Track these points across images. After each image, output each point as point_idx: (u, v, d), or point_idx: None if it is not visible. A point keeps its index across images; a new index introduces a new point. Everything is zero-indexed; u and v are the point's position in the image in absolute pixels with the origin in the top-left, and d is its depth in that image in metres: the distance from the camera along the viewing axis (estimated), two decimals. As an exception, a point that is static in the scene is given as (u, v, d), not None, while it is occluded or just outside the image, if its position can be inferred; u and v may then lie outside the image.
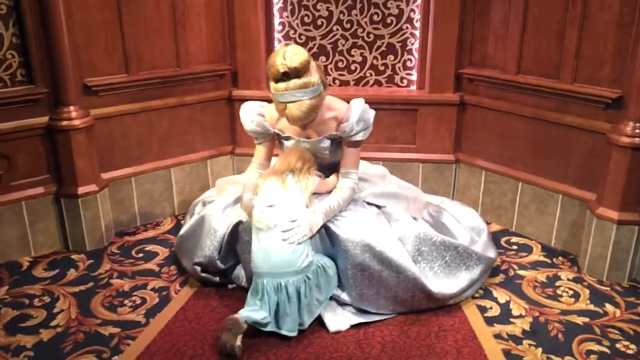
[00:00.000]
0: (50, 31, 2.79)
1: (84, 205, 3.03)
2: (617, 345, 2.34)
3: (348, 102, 2.65)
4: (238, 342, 2.22)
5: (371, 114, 2.65)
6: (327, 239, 2.50)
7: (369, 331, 2.42)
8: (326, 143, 2.64)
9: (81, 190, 3.01)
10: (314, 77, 2.37)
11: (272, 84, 2.38)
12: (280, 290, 2.30)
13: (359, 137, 2.62)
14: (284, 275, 2.30)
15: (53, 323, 2.48)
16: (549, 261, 3.02)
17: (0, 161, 2.86)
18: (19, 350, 2.31)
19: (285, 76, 2.33)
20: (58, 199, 3.03)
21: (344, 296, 2.52)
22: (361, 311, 2.51)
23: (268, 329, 2.32)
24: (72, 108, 2.92)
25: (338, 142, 2.68)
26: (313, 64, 2.43)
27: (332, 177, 2.67)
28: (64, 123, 2.90)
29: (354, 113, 2.58)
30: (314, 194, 2.55)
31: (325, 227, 2.49)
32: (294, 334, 2.33)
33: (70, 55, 2.86)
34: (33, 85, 2.88)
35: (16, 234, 2.97)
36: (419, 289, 2.48)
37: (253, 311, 2.30)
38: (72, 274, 2.88)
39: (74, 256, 3.05)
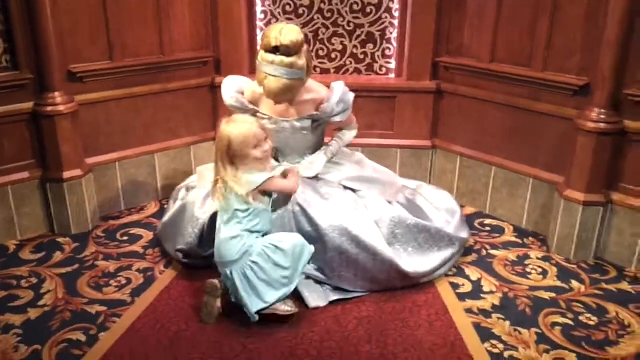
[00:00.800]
0: (35, 17, 2.83)
1: (69, 189, 3.09)
2: (580, 318, 2.48)
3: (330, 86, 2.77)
4: (218, 303, 2.41)
5: (351, 96, 2.78)
6: (304, 222, 2.58)
7: (346, 307, 2.53)
8: (306, 123, 2.74)
9: (66, 174, 3.07)
10: (301, 60, 2.52)
11: (261, 52, 2.54)
12: (228, 278, 2.40)
13: (338, 118, 2.75)
14: (228, 265, 2.39)
15: (40, 303, 2.56)
16: (519, 241, 3.15)
17: (-15, 146, 2.92)
18: (8, 328, 2.38)
19: (276, 50, 2.48)
20: (43, 183, 3.09)
21: (323, 278, 2.61)
22: (339, 288, 2.62)
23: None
24: (57, 94, 2.97)
25: (318, 124, 2.78)
26: (305, 48, 2.57)
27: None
28: (49, 109, 2.96)
29: (335, 94, 2.71)
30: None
31: (303, 211, 2.58)
32: (253, 319, 2.37)
33: (55, 41, 2.90)
34: (18, 71, 2.92)
35: (2, 217, 3.03)
36: (394, 269, 2.59)
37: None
38: (58, 256, 2.95)
39: (59, 239, 3.11)
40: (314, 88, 2.77)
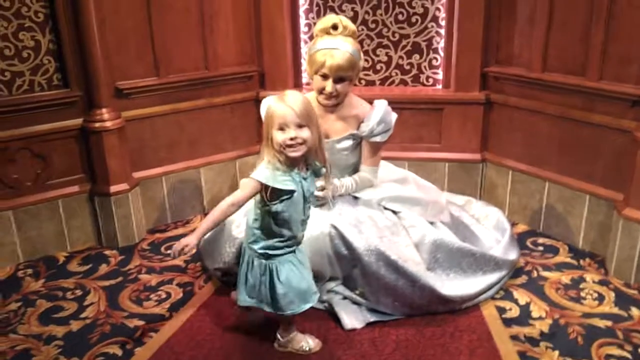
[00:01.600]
0: (84, 37, 2.92)
1: (116, 203, 3.16)
2: (640, 350, 2.29)
3: (372, 103, 2.70)
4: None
5: (393, 116, 2.68)
6: (341, 245, 2.49)
7: (384, 330, 2.44)
8: (346, 144, 2.67)
9: (113, 189, 3.14)
10: (357, 45, 2.57)
11: (318, 40, 2.55)
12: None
13: (378, 139, 2.65)
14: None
15: (83, 315, 2.61)
16: (575, 263, 2.96)
17: (37, 161, 3.02)
18: (50, 340, 2.44)
19: (334, 28, 2.52)
20: (92, 197, 3.18)
21: (362, 300, 2.53)
22: (377, 310, 2.53)
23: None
24: (104, 110, 3.06)
25: (357, 144, 2.71)
26: (359, 45, 2.64)
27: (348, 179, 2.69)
28: (97, 125, 3.04)
29: (376, 113, 2.63)
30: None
31: (339, 234, 2.49)
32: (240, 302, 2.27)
33: (102, 59, 2.99)
34: (68, 89, 3.02)
35: (53, 229, 3.14)
36: (435, 295, 2.48)
37: None
38: (103, 268, 3.02)
39: (106, 252, 3.19)
40: (357, 104, 2.70)
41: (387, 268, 2.45)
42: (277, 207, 2.04)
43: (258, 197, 2.07)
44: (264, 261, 2.15)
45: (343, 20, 2.54)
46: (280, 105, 1.99)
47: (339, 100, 2.61)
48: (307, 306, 2.21)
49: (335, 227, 2.50)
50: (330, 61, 2.46)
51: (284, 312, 2.18)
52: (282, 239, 2.12)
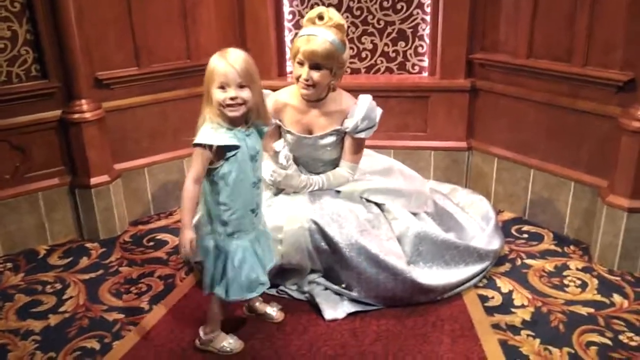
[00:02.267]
0: (61, 27, 2.87)
1: (97, 195, 3.13)
2: (621, 337, 2.27)
3: (358, 94, 2.64)
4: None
5: (378, 112, 2.61)
6: (321, 239, 2.46)
7: (365, 319, 2.42)
8: (330, 139, 2.62)
9: (94, 180, 3.10)
10: (342, 36, 2.49)
11: (304, 28, 2.51)
12: None
13: (362, 135, 2.60)
14: None
15: (62, 309, 2.58)
16: (559, 250, 2.94)
17: (16, 153, 2.98)
18: (28, 335, 2.41)
19: (320, 18, 2.47)
20: (72, 189, 3.14)
21: (342, 291, 2.51)
22: (358, 300, 2.50)
23: None
24: (83, 101, 3.01)
25: (341, 139, 2.66)
26: (346, 40, 2.55)
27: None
28: (76, 116, 2.99)
29: (360, 109, 2.56)
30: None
31: (319, 228, 2.45)
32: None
33: (80, 49, 2.94)
34: (46, 79, 2.97)
35: (34, 223, 3.10)
36: (417, 287, 2.46)
37: None
38: (84, 261, 2.98)
39: (88, 245, 3.15)
40: (342, 98, 2.63)
41: (368, 262, 2.42)
42: (223, 168, 1.99)
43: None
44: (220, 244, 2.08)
45: (330, 11, 2.49)
46: (221, 63, 1.93)
47: (318, 91, 2.51)
48: (252, 295, 2.17)
49: (315, 222, 2.46)
50: (305, 46, 2.41)
51: (228, 298, 2.12)
52: (229, 217, 2.04)
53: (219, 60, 1.95)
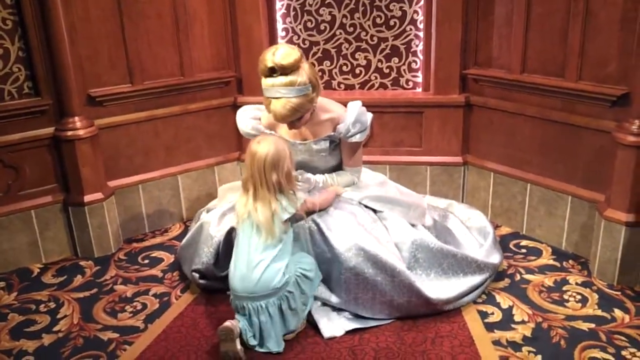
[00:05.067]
0: (53, 44, 2.86)
1: (91, 213, 3.09)
2: (623, 352, 2.24)
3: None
4: (238, 346, 2.21)
5: (368, 116, 2.66)
6: (319, 241, 2.48)
7: (364, 337, 2.39)
8: (323, 145, 2.65)
9: (87, 198, 3.07)
10: (301, 77, 2.39)
11: (262, 79, 2.43)
12: (262, 312, 2.27)
13: (355, 139, 2.64)
14: (263, 298, 2.26)
15: (55, 328, 2.54)
16: (558, 265, 2.92)
17: (8, 171, 2.94)
18: (21, 355, 2.36)
19: (272, 72, 2.38)
20: (66, 207, 3.10)
21: (338, 302, 2.48)
22: (357, 316, 2.48)
23: (254, 347, 2.30)
24: (76, 118, 2.99)
25: (335, 145, 2.68)
26: (305, 65, 2.45)
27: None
28: (69, 133, 2.97)
29: (350, 114, 2.61)
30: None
31: (318, 229, 2.47)
32: (280, 349, 2.29)
33: (73, 67, 2.93)
34: (39, 97, 2.96)
35: (27, 241, 3.05)
36: (415, 293, 2.44)
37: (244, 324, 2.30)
38: (78, 280, 2.94)
39: (82, 263, 3.11)
40: (331, 107, 2.66)
41: (367, 262, 2.41)
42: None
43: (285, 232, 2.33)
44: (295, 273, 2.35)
45: (277, 59, 2.34)
46: (283, 144, 2.34)
47: (303, 124, 2.57)
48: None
49: (315, 222, 2.49)
50: (274, 112, 2.40)
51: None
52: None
53: (281, 144, 2.32)
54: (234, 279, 2.31)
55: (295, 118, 2.45)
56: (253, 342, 2.28)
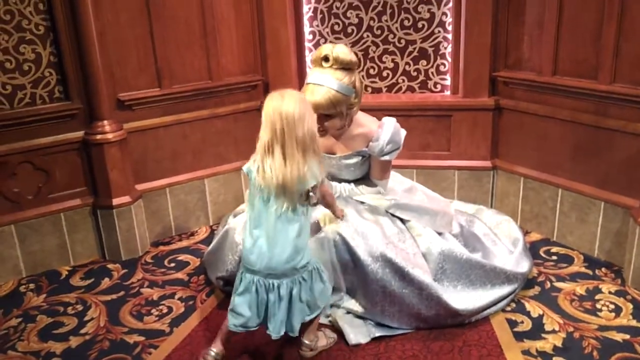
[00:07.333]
0: (84, 49, 2.90)
1: (119, 216, 3.12)
2: (659, 365, 2.17)
3: (379, 113, 2.64)
4: None
5: (402, 134, 2.59)
6: (345, 251, 2.43)
7: (390, 344, 2.36)
8: (354, 160, 2.60)
9: (115, 201, 3.10)
10: (350, 78, 2.42)
11: (311, 68, 2.47)
12: (272, 291, 2.11)
13: (387, 158, 2.58)
14: (278, 277, 2.09)
15: (83, 331, 2.57)
16: (590, 272, 2.84)
17: (39, 174, 3.00)
18: (49, 356, 2.40)
19: (326, 60, 2.40)
20: (94, 210, 3.15)
21: (363, 312, 2.45)
22: (383, 324, 2.44)
23: (254, 327, 2.17)
24: (105, 122, 3.02)
25: (365, 160, 2.64)
26: (357, 73, 2.49)
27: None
28: (98, 137, 3.01)
29: (385, 133, 2.53)
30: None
31: (343, 241, 2.42)
32: (277, 336, 2.11)
33: (103, 71, 2.96)
34: (69, 101, 3.00)
35: (56, 243, 3.10)
36: (443, 306, 2.39)
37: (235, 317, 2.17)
38: (105, 282, 2.97)
39: (109, 265, 3.15)
40: (364, 122, 2.60)
41: (394, 275, 2.37)
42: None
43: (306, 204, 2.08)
44: (315, 263, 2.19)
45: (335, 51, 2.39)
46: (305, 100, 2.09)
47: (332, 133, 2.54)
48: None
49: (340, 234, 2.43)
50: (311, 98, 2.34)
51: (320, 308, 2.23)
52: None
53: (303, 100, 2.08)
54: (251, 255, 2.09)
55: (328, 113, 2.40)
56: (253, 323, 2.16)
